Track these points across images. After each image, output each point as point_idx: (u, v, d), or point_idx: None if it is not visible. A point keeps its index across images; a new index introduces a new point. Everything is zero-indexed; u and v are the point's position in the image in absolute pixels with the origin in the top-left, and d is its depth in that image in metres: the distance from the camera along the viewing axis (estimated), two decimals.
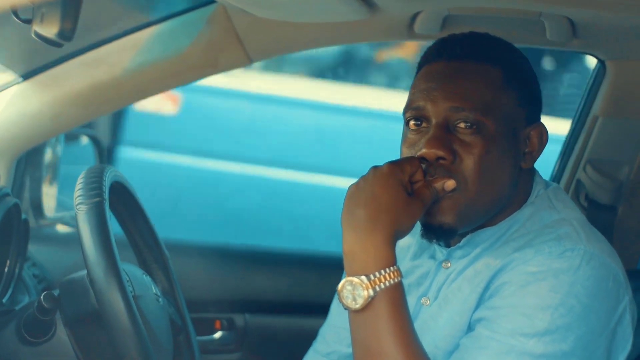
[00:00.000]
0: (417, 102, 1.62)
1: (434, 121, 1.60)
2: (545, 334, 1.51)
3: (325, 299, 2.53)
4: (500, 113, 1.61)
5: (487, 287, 1.61)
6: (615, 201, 2.24)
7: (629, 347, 1.60)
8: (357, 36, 2.14)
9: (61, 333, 1.73)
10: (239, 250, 2.63)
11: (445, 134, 1.59)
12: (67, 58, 2.13)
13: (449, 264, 1.69)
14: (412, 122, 1.63)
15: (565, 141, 2.35)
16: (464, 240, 1.67)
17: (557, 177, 2.36)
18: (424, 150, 1.58)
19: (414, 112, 1.63)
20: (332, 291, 2.49)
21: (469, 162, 1.58)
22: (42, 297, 1.70)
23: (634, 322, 1.61)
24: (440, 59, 1.65)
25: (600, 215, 2.23)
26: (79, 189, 1.70)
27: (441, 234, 1.62)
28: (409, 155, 1.61)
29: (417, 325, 1.68)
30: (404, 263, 1.80)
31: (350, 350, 1.80)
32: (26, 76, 2.15)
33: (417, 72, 1.69)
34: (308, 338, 2.51)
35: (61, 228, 2.52)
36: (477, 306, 1.61)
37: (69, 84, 2.14)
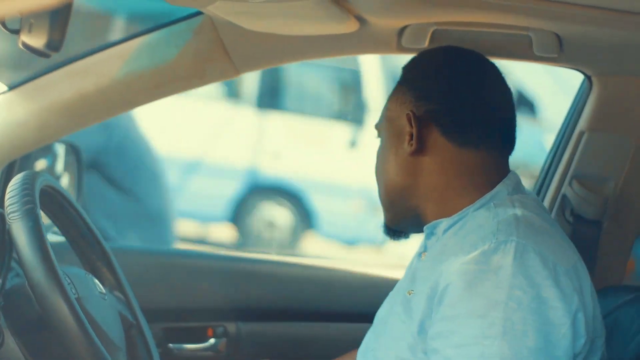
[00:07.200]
0: None
1: None
2: (505, 333, 1.53)
3: (318, 305, 2.54)
4: (387, 117, 1.82)
5: (434, 289, 1.63)
6: (601, 216, 2.24)
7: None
8: (345, 49, 2.14)
9: (9, 341, 1.70)
10: (231, 258, 2.63)
11: None
12: (53, 68, 2.12)
13: (424, 256, 1.77)
14: None
15: (551, 156, 2.36)
16: (426, 232, 1.77)
17: (541, 192, 2.36)
18: None
19: None
20: (324, 298, 2.50)
21: None
22: None
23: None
24: None
25: (586, 230, 2.23)
26: (9, 199, 1.69)
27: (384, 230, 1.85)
28: None
29: (404, 316, 1.70)
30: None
31: None
32: (12, 86, 2.14)
33: None
34: (301, 345, 2.52)
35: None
36: (427, 307, 1.63)
37: (55, 93, 2.12)
